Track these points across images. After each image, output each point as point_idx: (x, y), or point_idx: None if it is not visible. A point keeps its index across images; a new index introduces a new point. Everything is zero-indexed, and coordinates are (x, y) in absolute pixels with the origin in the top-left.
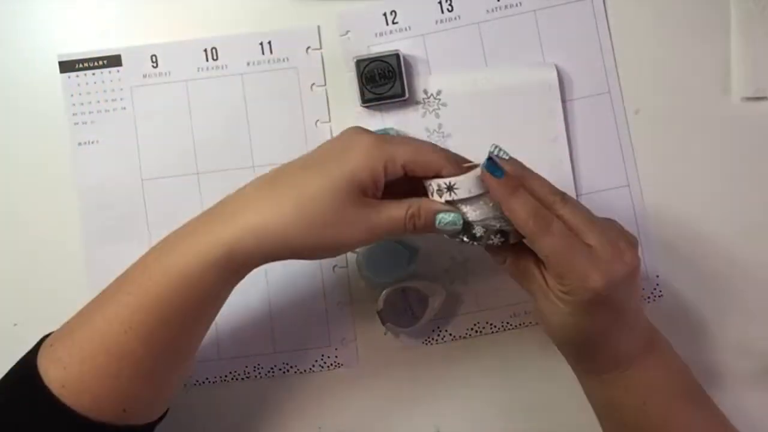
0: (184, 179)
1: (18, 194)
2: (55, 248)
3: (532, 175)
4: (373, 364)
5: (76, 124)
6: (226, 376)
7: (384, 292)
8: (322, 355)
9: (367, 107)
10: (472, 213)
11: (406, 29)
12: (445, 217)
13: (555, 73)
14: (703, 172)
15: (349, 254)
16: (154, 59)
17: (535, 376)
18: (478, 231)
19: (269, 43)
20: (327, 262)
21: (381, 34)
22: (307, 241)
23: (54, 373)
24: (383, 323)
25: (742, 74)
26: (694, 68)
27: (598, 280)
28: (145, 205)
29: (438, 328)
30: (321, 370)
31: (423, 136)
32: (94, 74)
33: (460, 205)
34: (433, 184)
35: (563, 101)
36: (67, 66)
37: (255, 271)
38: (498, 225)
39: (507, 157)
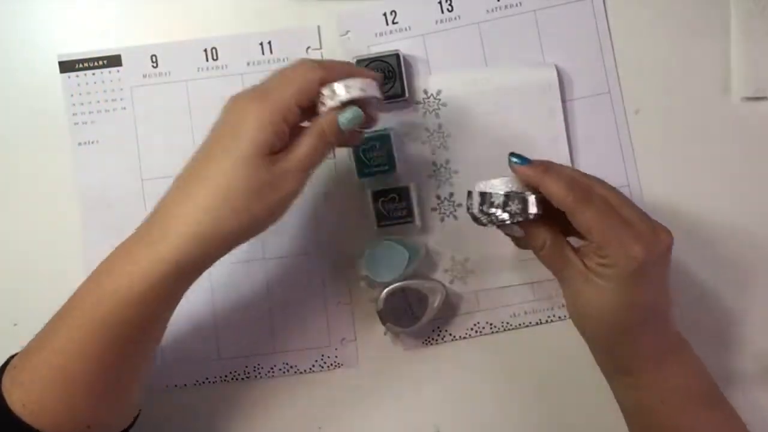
0: None
1: (18, 194)
2: (55, 248)
3: (560, 165)
4: (373, 364)
5: (76, 124)
6: (226, 376)
7: (384, 292)
8: (322, 355)
9: None
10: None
11: (406, 29)
12: (345, 115)
13: (555, 73)
14: (703, 172)
15: (349, 254)
16: (154, 59)
17: (535, 376)
18: (497, 199)
19: (269, 43)
20: (327, 263)
21: (381, 34)
22: (245, 222)
23: (17, 395)
24: (383, 323)
25: (742, 74)
26: (694, 68)
27: (640, 250)
28: (145, 205)
29: (438, 328)
30: (321, 370)
31: (423, 136)
32: (94, 74)
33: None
34: (324, 93)
35: (563, 101)
36: (67, 66)
37: (255, 271)
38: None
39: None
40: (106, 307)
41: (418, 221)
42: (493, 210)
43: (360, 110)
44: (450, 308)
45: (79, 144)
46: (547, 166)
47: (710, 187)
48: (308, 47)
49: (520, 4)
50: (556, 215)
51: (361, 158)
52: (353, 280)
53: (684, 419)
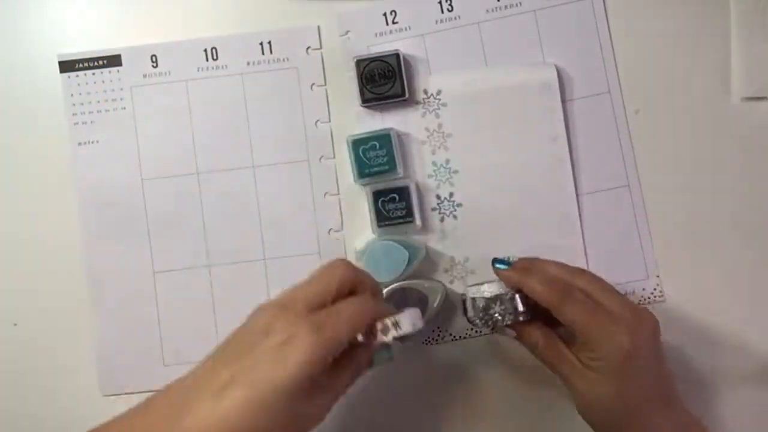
0: (184, 179)
1: (18, 194)
2: (55, 248)
3: (545, 261)
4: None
5: (76, 124)
6: None
7: (384, 292)
8: None
9: (367, 107)
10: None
11: (406, 29)
12: (383, 355)
13: (555, 73)
14: (703, 172)
15: (349, 254)
16: (154, 59)
17: (535, 377)
18: (488, 302)
19: (269, 43)
20: None
21: (381, 34)
22: None
23: None
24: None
25: (742, 74)
26: (694, 68)
27: (625, 339)
28: (145, 205)
29: (438, 328)
30: None
31: (423, 135)
32: (94, 74)
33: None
34: (378, 325)
35: (563, 101)
36: (67, 66)
37: (255, 271)
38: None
39: (516, 259)
40: None
41: (418, 221)
42: (486, 313)
43: (392, 353)
44: (450, 308)
45: (79, 144)
46: (527, 267)
47: (710, 187)
48: (308, 47)
49: (520, 4)
50: (547, 311)
51: (361, 158)
52: None
53: None
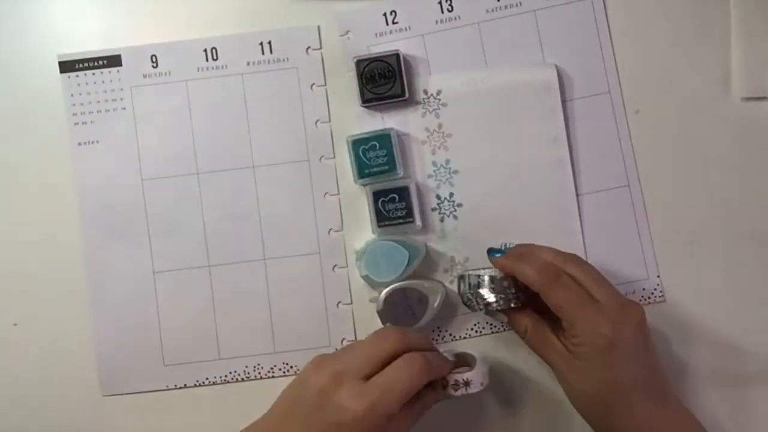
0: (184, 179)
1: (18, 194)
2: (55, 248)
3: (540, 246)
4: None
5: (76, 124)
6: (226, 376)
7: (384, 292)
8: None
9: (367, 107)
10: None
11: (406, 29)
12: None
13: (555, 73)
14: (703, 172)
15: (349, 254)
16: (154, 59)
17: (535, 376)
18: (483, 282)
19: (269, 43)
20: (327, 262)
21: (381, 34)
22: None
23: None
24: (383, 323)
25: (742, 74)
26: (694, 68)
27: (606, 326)
28: (145, 205)
29: (438, 328)
30: None
31: (423, 135)
32: (94, 74)
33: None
34: (450, 380)
35: (563, 101)
36: (67, 66)
37: (255, 271)
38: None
39: (512, 246)
40: None
41: (418, 221)
42: (479, 291)
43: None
44: (450, 308)
45: (79, 144)
46: (521, 253)
47: (710, 187)
48: (308, 47)
49: (520, 4)
50: (539, 297)
51: (361, 158)
52: (353, 280)
53: None
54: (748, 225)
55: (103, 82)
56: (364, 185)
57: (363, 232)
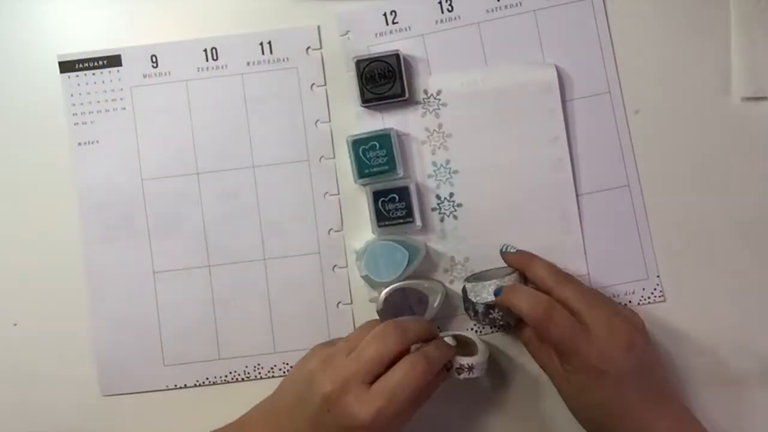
0: (184, 179)
1: (18, 194)
2: (55, 248)
3: (536, 262)
4: None
5: (76, 124)
6: (226, 376)
7: (384, 292)
8: None
9: (367, 107)
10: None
11: (406, 29)
12: None
13: (555, 73)
14: (703, 172)
15: (349, 254)
16: (154, 59)
17: (534, 376)
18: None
19: (269, 43)
20: (327, 262)
21: (381, 34)
22: None
23: None
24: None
25: (742, 74)
26: (694, 68)
27: (596, 357)
28: (145, 205)
29: (438, 328)
30: None
31: (423, 136)
32: (94, 74)
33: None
34: (455, 363)
35: (563, 101)
36: (67, 66)
37: (255, 271)
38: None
39: (514, 251)
40: None
41: (418, 221)
42: (485, 317)
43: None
44: (450, 308)
45: (79, 144)
46: (513, 289)
47: (710, 187)
48: (308, 47)
49: (520, 4)
50: None
51: (361, 158)
52: (353, 280)
53: None
54: (748, 225)
55: (103, 82)
56: (364, 185)
57: (363, 232)
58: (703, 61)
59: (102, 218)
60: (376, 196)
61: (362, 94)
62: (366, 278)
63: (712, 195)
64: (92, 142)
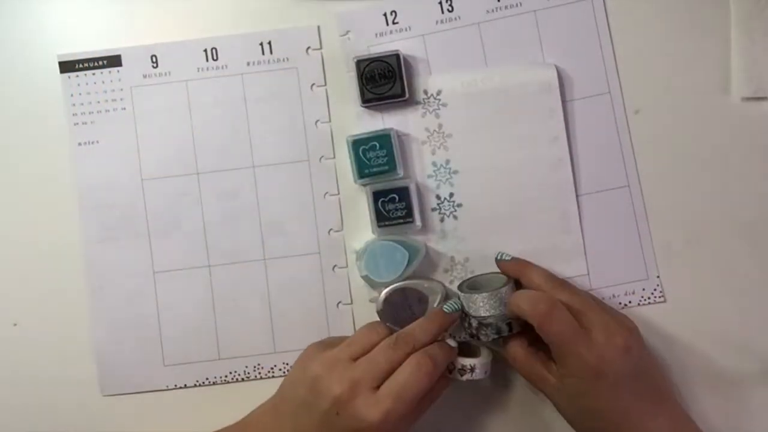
0: (184, 179)
1: (18, 194)
2: (55, 248)
3: (532, 269)
4: None
5: (76, 124)
6: (226, 376)
7: (384, 292)
8: None
9: (367, 107)
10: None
11: (406, 29)
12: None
13: (555, 74)
14: (703, 172)
15: (349, 254)
16: (154, 59)
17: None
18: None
19: (269, 43)
20: (327, 262)
21: (381, 34)
22: None
23: None
24: (383, 323)
25: (742, 74)
26: (694, 68)
27: (594, 359)
28: (145, 205)
29: None
30: None
31: (423, 136)
32: (94, 74)
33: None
34: (456, 364)
35: (563, 101)
36: (67, 66)
37: (255, 271)
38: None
39: (509, 258)
40: None
41: (418, 221)
42: (478, 331)
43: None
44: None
45: (79, 144)
46: (517, 269)
47: (710, 187)
48: (308, 47)
49: (520, 4)
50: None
51: (361, 158)
52: (353, 280)
53: None
54: (748, 226)
55: (103, 82)
56: (364, 185)
57: (363, 232)
58: (703, 61)
59: (102, 218)
60: (376, 196)
61: (362, 94)
62: (366, 278)
63: (712, 195)
64: (92, 142)
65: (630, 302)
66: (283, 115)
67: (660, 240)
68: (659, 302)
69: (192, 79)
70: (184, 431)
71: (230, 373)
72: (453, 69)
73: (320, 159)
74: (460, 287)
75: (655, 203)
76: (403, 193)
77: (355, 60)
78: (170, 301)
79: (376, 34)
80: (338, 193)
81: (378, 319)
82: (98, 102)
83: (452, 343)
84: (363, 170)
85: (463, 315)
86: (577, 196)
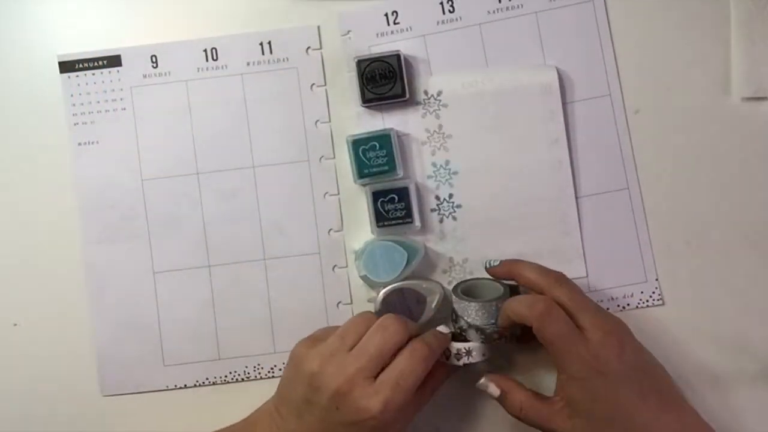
0: (184, 179)
1: (18, 194)
2: (55, 248)
3: (524, 266)
4: None
5: (76, 124)
6: (226, 376)
7: (382, 292)
8: None
9: (367, 107)
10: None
11: (407, 30)
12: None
13: (555, 75)
14: (703, 173)
15: (349, 254)
16: (154, 59)
17: (534, 376)
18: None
19: (269, 43)
20: (327, 262)
21: (382, 35)
22: None
23: None
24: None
25: (742, 74)
26: (694, 68)
27: (591, 358)
28: (145, 205)
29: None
30: None
31: (423, 136)
32: (94, 74)
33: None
34: (452, 349)
35: (564, 103)
36: (67, 66)
37: (255, 271)
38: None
39: (497, 263)
40: None
41: (417, 222)
42: (467, 330)
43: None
44: (448, 309)
45: (79, 144)
46: (510, 271)
47: (710, 189)
48: (308, 47)
49: (522, 5)
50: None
51: (361, 158)
52: (353, 280)
53: None
54: (748, 227)
55: (103, 82)
56: (364, 185)
57: (362, 232)
58: (704, 62)
59: (102, 218)
60: (376, 196)
61: (363, 94)
62: (365, 278)
63: (712, 196)
64: (92, 142)
65: (629, 305)
66: (283, 115)
67: (659, 242)
68: (658, 305)
69: (192, 79)
70: (184, 431)
71: (230, 373)
72: (454, 70)
73: (320, 159)
74: (454, 290)
75: (655, 205)
76: (403, 193)
77: (356, 60)
78: (170, 301)
79: (377, 34)
80: (338, 193)
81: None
82: (98, 102)
83: (444, 329)
84: (363, 170)
85: (454, 315)
86: (576, 198)
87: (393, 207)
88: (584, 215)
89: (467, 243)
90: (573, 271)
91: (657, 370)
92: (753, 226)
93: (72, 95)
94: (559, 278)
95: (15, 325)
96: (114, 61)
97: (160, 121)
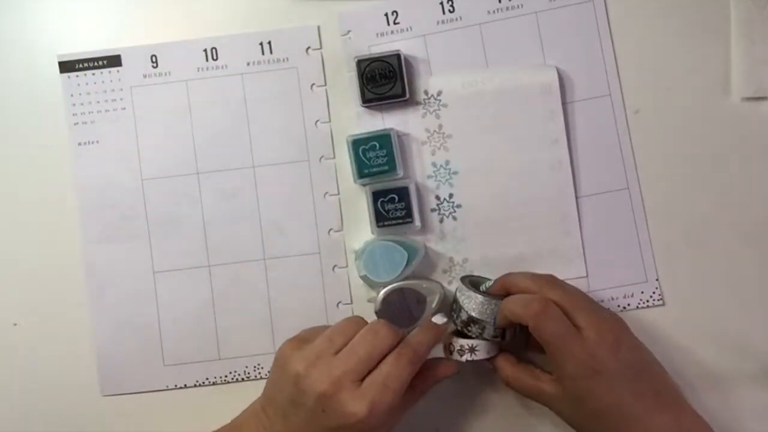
0: (184, 179)
1: (18, 194)
2: (55, 248)
3: (514, 277)
4: None
5: (76, 124)
6: (226, 376)
7: (382, 292)
8: None
9: (367, 107)
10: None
11: (407, 29)
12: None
13: (556, 75)
14: (703, 173)
15: (349, 254)
16: (154, 59)
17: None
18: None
19: (269, 43)
20: (327, 262)
21: (382, 35)
22: None
23: None
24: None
25: (742, 74)
26: (694, 68)
27: (587, 357)
28: (145, 205)
29: None
30: None
31: (423, 136)
32: (94, 74)
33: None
34: (455, 345)
35: (564, 103)
36: (67, 66)
37: (255, 271)
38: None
39: (492, 283)
40: None
41: (417, 221)
42: (468, 324)
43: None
44: (448, 309)
45: (79, 144)
46: (510, 298)
47: (710, 189)
48: (308, 47)
49: (522, 5)
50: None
51: (361, 158)
52: (353, 280)
53: None
54: (748, 227)
55: (103, 82)
56: (364, 185)
57: (362, 232)
58: (703, 61)
59: (102, 218)
60: (376, 196)
61: (363, 94)
62: (365, 278)
63: (712, 196)
64: (92, 142)
65: (629, 305)
66: (283, 115)
67: (659, 242)
68: (658, 305)
69: (192, 79)
70: (184, 431)
71: (230, 373)
72: (454, 70)
73: (320, 159)
74: (463, 279)
75: (655, 205)
76: (403, 193)
77: (356, 60)
78: (170, 301)
79: (377, 34)
80: (338, 193)
81: (376, 319)
82: (98, 102)
83: (439, 320)
84: (363, 170)
85: (456, 306)
86: (576, 198)
87: (393, 207)
88: (584, 215)
89: (467, 243)
90: (573, 271)
91: (655, 368)
92: (753, 226)
93: (72, 95)
94: (550, 280)
95: (15, 325)
96: (114, 61)
97: (160, 121)
